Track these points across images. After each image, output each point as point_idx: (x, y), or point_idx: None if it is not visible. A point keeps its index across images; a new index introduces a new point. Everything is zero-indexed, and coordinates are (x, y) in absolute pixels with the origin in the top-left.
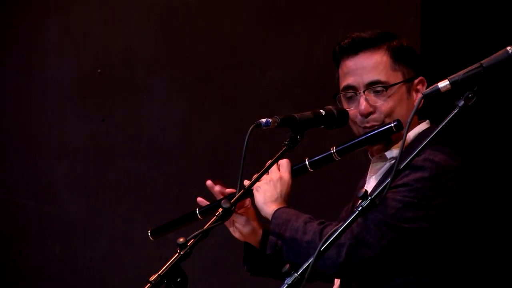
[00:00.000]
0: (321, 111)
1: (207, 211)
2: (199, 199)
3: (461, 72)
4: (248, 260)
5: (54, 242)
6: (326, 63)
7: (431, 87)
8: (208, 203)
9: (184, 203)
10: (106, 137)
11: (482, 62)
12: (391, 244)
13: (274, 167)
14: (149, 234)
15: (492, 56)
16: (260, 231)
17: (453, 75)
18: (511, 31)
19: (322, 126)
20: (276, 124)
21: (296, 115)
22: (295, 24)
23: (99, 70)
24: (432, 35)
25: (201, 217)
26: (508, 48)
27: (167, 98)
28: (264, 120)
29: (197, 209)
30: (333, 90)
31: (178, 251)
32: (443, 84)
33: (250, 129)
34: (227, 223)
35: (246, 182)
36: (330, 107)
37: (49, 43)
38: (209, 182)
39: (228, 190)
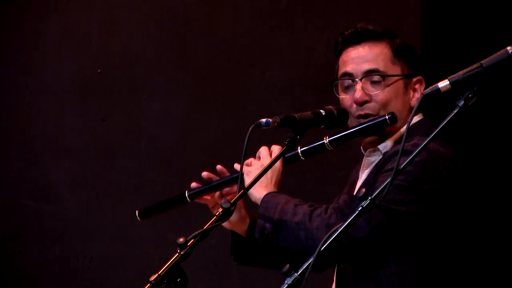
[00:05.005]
0: (321, 111)
1: (197, 194)
2: (193, 184)
3: (461, 72)
4: (236, 249)
5: (54, 242)
6: (327, 63)
7: (431, 87)
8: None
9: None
10: (106, 137)
11: (482, 62)
12: (381, 226)
13: (266, 153)
14: (137, 214)
15: (492, 56)
16: (248, 220)
17: (453, 75)
18: (511, 31)
19: (322, 126)
20: (276, 124)
21: (296, 115)
22: (295, 24)
23: (99, 70)
24: (432, 35)
25: (190, 200)
26: (508, 48)
27: (167, 98)
28: (264, 120)
29: (186, 192)
30: (333, 90)
31: (178, 251)
32: (443, 84)
33: (250, 129)
34: (214, 209)
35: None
36: (330, 107)
37: (49, 43)
38: (205, 174)
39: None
